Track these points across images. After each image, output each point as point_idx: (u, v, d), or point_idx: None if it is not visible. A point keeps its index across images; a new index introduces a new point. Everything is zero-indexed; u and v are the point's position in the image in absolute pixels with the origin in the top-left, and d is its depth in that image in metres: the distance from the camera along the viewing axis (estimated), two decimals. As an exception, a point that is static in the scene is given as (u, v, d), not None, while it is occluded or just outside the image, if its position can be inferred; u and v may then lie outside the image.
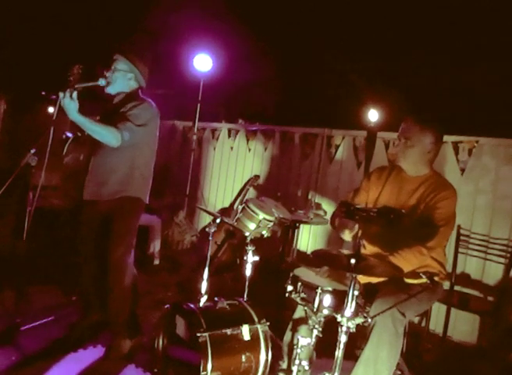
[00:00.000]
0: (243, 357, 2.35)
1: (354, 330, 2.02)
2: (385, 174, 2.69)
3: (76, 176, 2.93)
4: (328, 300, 2.16)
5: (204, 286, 2.73)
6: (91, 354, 2.76)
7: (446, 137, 3.83)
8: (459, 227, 3.60)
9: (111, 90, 2.90)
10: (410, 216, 2.40)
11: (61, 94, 2.48)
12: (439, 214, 2.41)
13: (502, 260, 3.48)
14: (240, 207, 3.45)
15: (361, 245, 2.04)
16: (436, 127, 2.53)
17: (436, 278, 2.49)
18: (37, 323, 3.01)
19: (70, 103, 2.51)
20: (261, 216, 3.23)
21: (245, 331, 2.38)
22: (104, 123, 2.67)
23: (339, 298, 2.13)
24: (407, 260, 2.33)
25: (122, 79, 2.89)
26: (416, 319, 3.69)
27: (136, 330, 2.90)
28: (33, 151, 2.53)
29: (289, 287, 2.32)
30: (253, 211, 3.25)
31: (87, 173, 2.89)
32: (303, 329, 2.36)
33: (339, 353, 2.03)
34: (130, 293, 2.85)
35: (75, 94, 2.52)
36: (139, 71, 2.93)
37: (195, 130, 5.81)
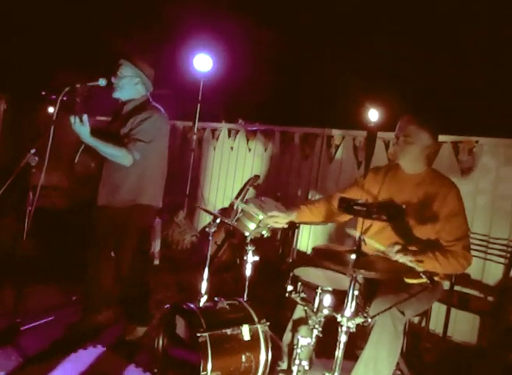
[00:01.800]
0: (243, 357, 2.35)
1: (354, 330, 2.02)
2: (381, 174, 2.68)
3: (87, 181, 2.98)
4: (328, 300, 2.16)
5: (204, 286, 2.73)
6: (91, 354, 2.76)
7: (446, 137, 3.87)
8: (459, 227, 3.59)
9: (119, 95, 2.93)
10: (414, 215, 2.41)
11: (71, 119, 2.51)
12: (451, 210, 2.39)
13: (502, 260, 3.48)
14: (240, 207, 3.44)
15: (362, 241, 2.04)
16: (432, 123, 2.53)
17: (436, 278, 2.49)
18: (37, 323, 3.00)
19: (81, 127, 2.54)
20: (261, 216, 3.22)
21: (245, 331, 2.38)
22: (114, 132, 2.78)
23: (339, 298, 2.13)
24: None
25: (129, 84, 2.91)
26: (416, 319, 3.69)
27: (147, 318, 3.05)
28: (33, 151, 2.53)
29: (289, 287, 2.32)
30: (253, 211, 3.25)
31: (100, 179, 2.94)
32: (303, 329, 2.36)
33: (339, 353, 2.03)
34: (143, 280, 3.08)
35: (85, 117, 2.53)
36: (145, 75, 2.95)
37: (195, 130, 5.81)
